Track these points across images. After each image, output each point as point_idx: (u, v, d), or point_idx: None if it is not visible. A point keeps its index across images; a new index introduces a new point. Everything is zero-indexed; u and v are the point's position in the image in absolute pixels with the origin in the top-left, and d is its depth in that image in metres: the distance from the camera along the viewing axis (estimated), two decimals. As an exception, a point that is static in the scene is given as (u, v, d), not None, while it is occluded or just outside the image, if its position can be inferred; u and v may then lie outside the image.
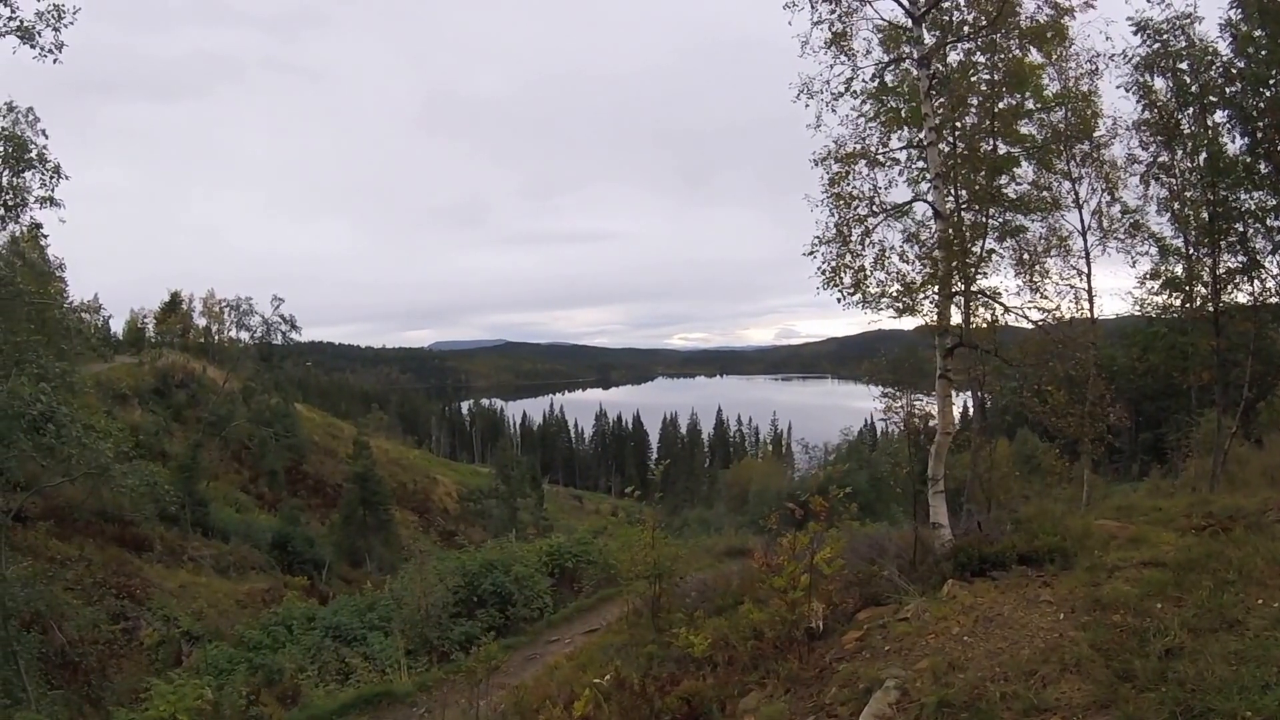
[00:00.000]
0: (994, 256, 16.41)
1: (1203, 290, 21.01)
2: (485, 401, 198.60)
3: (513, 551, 22.25)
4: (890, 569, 9.34)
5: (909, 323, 14.14)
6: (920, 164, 15.39)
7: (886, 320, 14.17)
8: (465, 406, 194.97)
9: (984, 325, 14.91)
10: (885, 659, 7.02)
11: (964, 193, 16.68)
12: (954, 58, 17.00)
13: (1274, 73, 19.43)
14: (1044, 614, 7.24)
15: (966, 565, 8.72)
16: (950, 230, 13.76)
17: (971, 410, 22.28)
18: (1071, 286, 18.63)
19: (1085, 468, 20.87)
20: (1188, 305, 21.08)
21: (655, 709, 7.20)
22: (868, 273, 13.73)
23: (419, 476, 69.74)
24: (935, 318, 13.16)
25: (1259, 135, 20.16)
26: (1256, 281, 20.82)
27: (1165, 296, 21.39)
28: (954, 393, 18.29)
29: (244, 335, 69.65)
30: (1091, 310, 19.95)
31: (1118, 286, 23.50)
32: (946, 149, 16.11)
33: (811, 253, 13.86)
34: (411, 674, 15.28)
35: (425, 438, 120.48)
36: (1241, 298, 20.84)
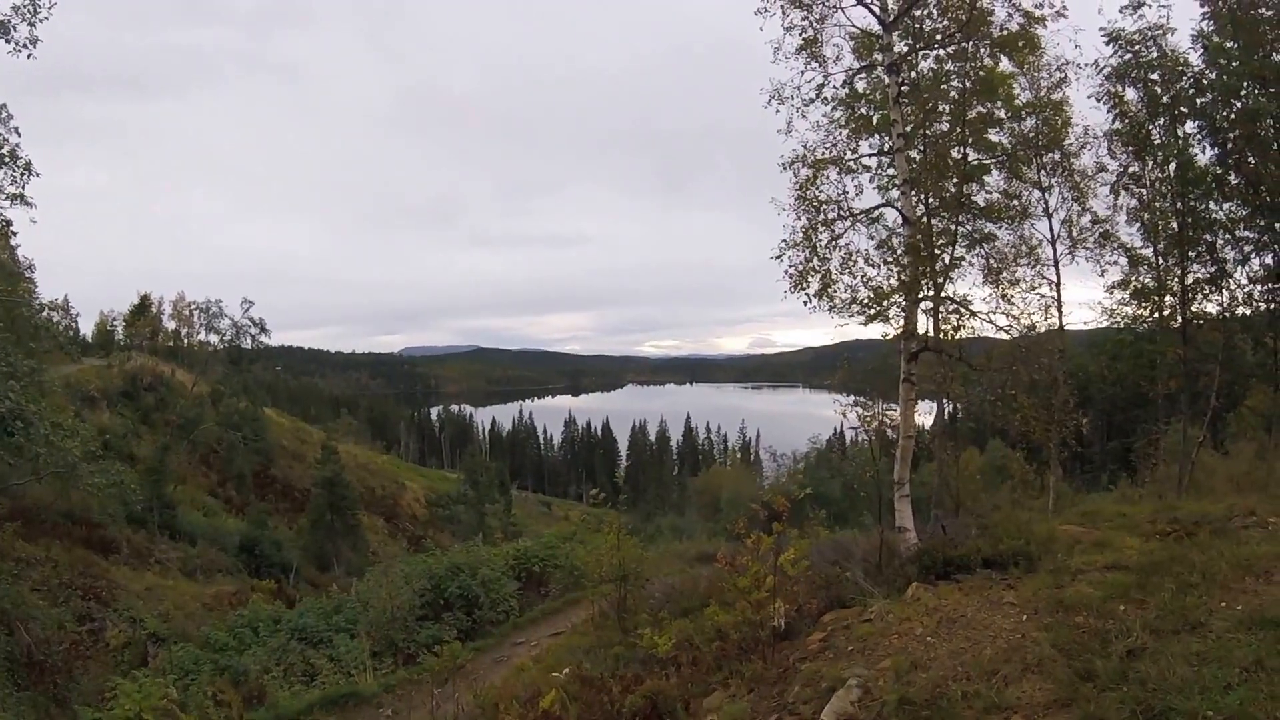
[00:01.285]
0: (963, 264, 16.60)
1: (1171, 300, 21.32)
2: (455, 407, 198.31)
3: (479, 555, 22.23)
4: (856, 572, 9.34)
5: (880, 331, 14.21)
6: (890, 170, 15.49)
7: (857, 328, 14.26)
8: (435, 412, 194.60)
9: (952, 331, 14.97)
10: (848, 659, 6.99)
11: (933, 200, 16.82)
12: (927, 66, 17.20)
13: (1246, 84, 19.72)
14: (1007, 615, 7.25)
15: (931, 568, 8.74)
16: (918, 236, 13.86)
17: (940, 418, 22.48)
18: (1041, 296, 18.95)
19: (1052, 475, 21.09)
20: (1156, 315, 21.36)
21: (619, 707, 7.15)
22: (834, 277, 13.81)
23: (387, 482, 69.63)
24: (903, 323, 13.23)
25: (1229, 146, 20.48)
26: (1225, 291, 21.19)
27: (1134, 306, 21.69)
28: (926, 401, 18.46)
29: (213, 338, 69.51)
30: (1060, 318, 20.17)
31: (1088, 297, 23.73)
32: (918, 156, 16.24)
33: (779, 255, 13.95)
34: (377, 675, 15.24)
35: (394, 443, 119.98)
36: (1210, 308, 21.19)
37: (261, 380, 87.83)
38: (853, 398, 14.90)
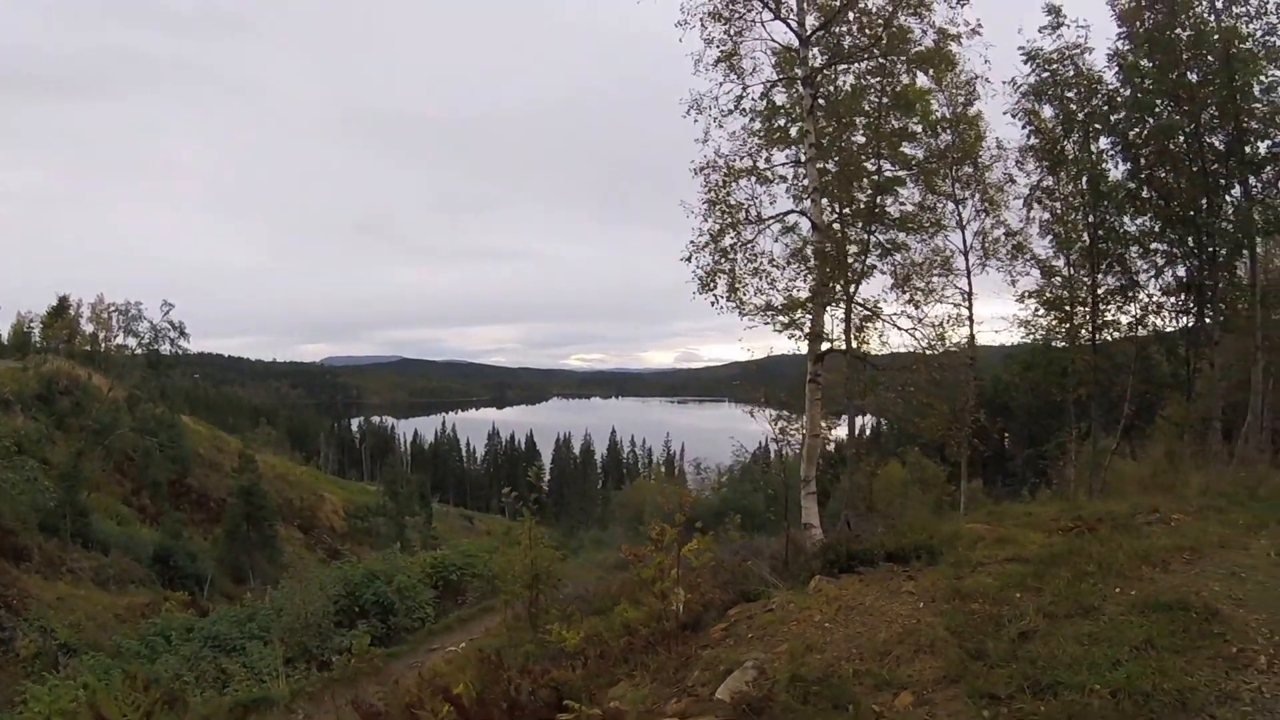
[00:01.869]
0: (876, 272, 17.06)
1: (1082, 310, 22.10)
2: (377, 419, 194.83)
3: (396, 563, 22.07)
4: (763, 568, 9.48)
5: (789, 334, 14.53)
6: (805, 180, 15.82)
7: (783, 342, 14.52)
8: (356, 423, 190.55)
9: (859, 334, 15.37)
10: (748, 645, 7.04)
11: (847, 210, 17.27)
12: (846, 81, 17.62)
13: (1159, 101, 20.56)
14: (905, 603, 7.39)
15: (835, 562, 8.85)
16: (827, 243, 14.18)
17: (852, 424, 22.97)
18: (955, 305, 19.54)
19: (964, 480, 21.70)
20: (1068, 325, 22.12)
21: (524, 698, 7.13)
22: (743, 281, 14.09)
23: (306, 493, 67.98)
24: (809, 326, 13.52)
25: (1141, 162, 21.33)
26: (1135, 303, 22.04)
27: (1047, 318, 22.43)
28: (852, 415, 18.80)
29: (131, 341, 67.25)
30: (971, 327, 20.77)
31: (1004, 311, 24.48)
32: (833, 167, 16.65)
33: (689, 257, 14.19)
34: (290, 681, 14.98)
35: (314, 454, 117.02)
36: (1123, 319, 22.05)
37: (180, 387, 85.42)
38: (772, 411, 15.20)
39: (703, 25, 14.37)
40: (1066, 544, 8.61)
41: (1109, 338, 22.44)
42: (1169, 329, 22.52)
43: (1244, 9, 19.62)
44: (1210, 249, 20.74)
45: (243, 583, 40.34)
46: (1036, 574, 7.65)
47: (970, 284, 21.32)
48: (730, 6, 14.35)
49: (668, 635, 7.73)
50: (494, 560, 20.36)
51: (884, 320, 14.79)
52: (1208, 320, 21.34)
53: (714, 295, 14.21)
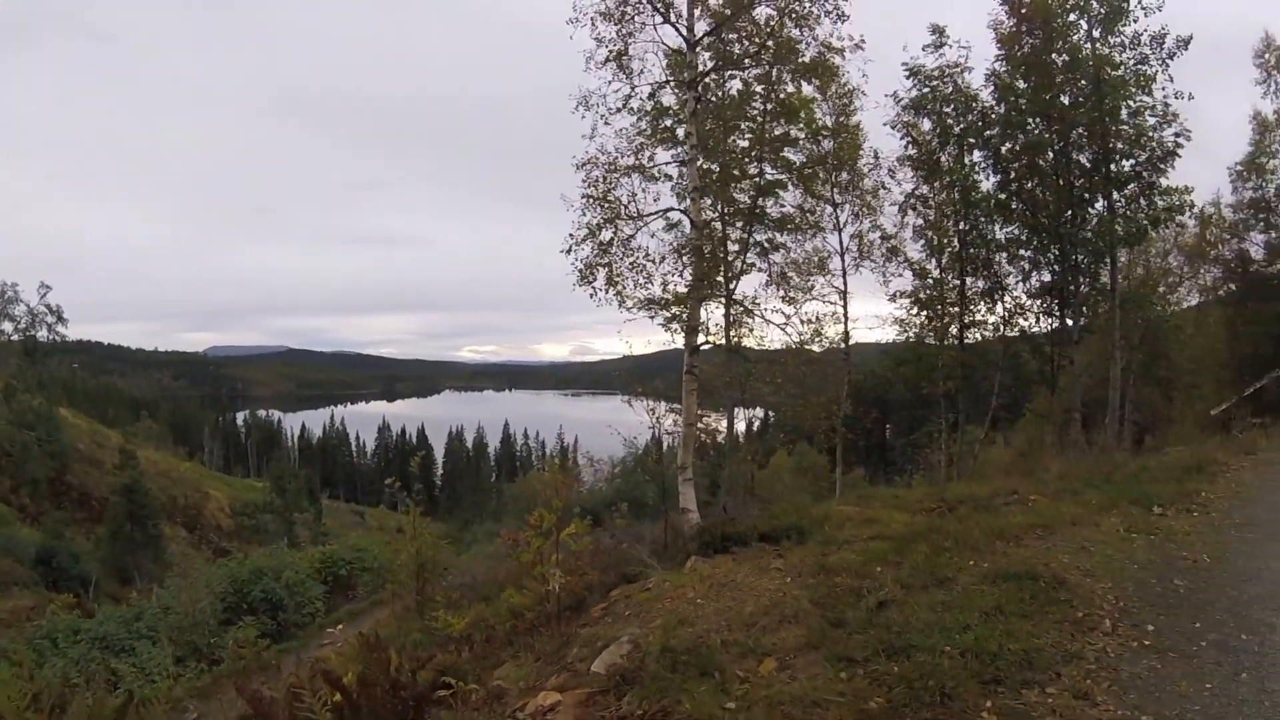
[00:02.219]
0: (754, 270, 17.66)
1: (952, 310, 23.35)
2: (263, 412, 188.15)
3: (284, 559, 21.84)
4: (643, 551, 9.83)
5: (666, 323, 14.92)
6: (687, 180, 16.24)
7: (665, 336, 14.89)
8: (241, 417, 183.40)
9: (737, 329, 15.85)
10: (625, 622, 7.34)
11: (728, 210, 17.80)
12: (735, 86, 18.16)
13: (1031, 120, 21.85)
14: (773, 579, 7.80)
15: (710, 544, 9.26)
16: (706, 241, 14.62)
17: (749, 419, 23.78)
18: (831, 304, 20.33)
19: (839, 466, 22.60)
20: (938, 323, 23.33)
21: (406, 679, 7.28)
22: (622, 275, 14.45)
23: (190, 490, 65.61)
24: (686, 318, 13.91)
25: (1011, 175, 22.69)
26: (1001, 305, 23.40)
27: (919, 316, 23.61)
28: (737, 410, 19.28)
29: (7, 326, 63.32)
30: (846, 323, 21.69)
31: (880, 310, 25.61)
32: (717, 169, 17.13)
33: (568, 250, 14.50)
34: (181, 680, 14.75)
35: (198, 449, 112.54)
36: (990, 319, 23.41)
37: (57, 377, 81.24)
38: (650, 402, 15.58)
39: (593, 24, 14.66)
40: (927, 523, 9.18)
41: (978, 336, 23.79)
42: (1036, 330, 23.91)
43: (1118, 39, 21.05)
44: (1074, 257, 22.10)
45: (129, 583, 38.90)
46: (897, 550, 8.16)
47: (846, 283, 22.40)
48: (621, 8, 14.69)
49: (550, 617, 7.98)
50: (382, 553, 20.38)
51: (759, 315, 15.26)
52: (1070, 321, 22.71)
53: (593, 288, 14.56)
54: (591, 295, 14.46)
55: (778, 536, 9.09)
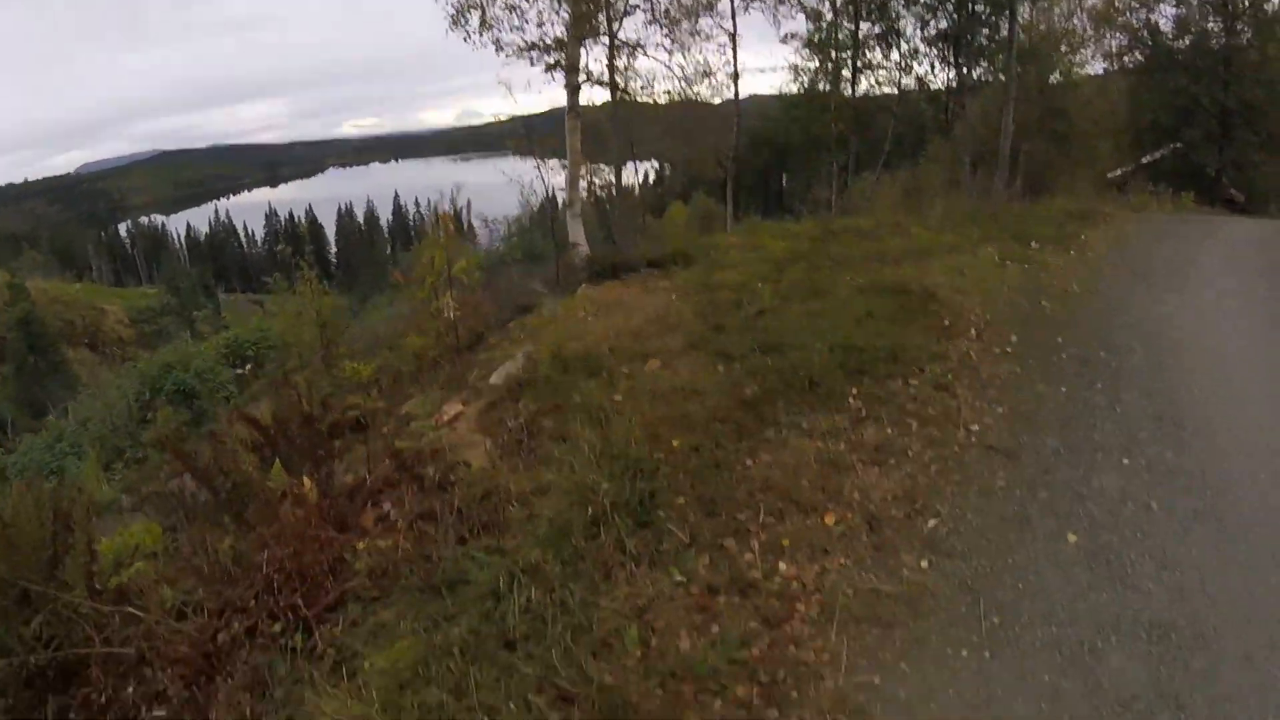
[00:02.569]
0: (638, 10, 17.13)
1: (844, 55, 23.13)
2: (145, 219, 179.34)
3: (189, 351, 21.72)
4: (537, 285, 10.12)
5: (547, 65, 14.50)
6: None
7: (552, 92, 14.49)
8: (124, 228, 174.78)
9: (624, 71, 15.59)
10: (519, 344, 7.66)
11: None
12: None
13: None
14: (660, 297, 8.17)
15: (600, 272, 9.53)
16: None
17: (642, 175, 23.76)
18: (719, 45, 19.93)
19: (728, 201, 22.91)
20: (830, 66, 23.15)
21: (319, 415, 7.53)
22: (496, 17, 13.93)
23: (85, 311, 63.40)
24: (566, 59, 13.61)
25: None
26: (896, 50, 23.21)
27: (812, 60, 23.35)
28: (631, 164, 19.14)
29: None
30: (735, 64, 21.40)
31: (773, 60, 25.32)
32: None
33: None
34: (113, 485, 14.91)
35: (85, 269, 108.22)
36: (886, 64, 23.29)
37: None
38: (556, 161, 15.43)
39: None
40: (810, 246, 9.55)
41: (873, 81, 23.68)
42: (932, 79, 23.93)
43: None
44: (971, 5, 21.84)
45: (42, 415, 38.47)
46: (777, 269, 8.57)
47: (735, 24, 21.71)
48: None
49: (450, 350, 8.24)
50: (286, 330, 20.42)
51: (643, 53, 14.95)
52: (966, 69, 22.77)
53: (466, 31, 13.99)
54: (465, 39, 13.93)
55: (665, 264, 9.41)
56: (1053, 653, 3.74)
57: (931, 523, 4.54)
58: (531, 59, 14.28)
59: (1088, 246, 10.47)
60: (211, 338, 27.46)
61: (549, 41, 14.00)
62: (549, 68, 14.11)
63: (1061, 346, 7.06)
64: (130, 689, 3.97)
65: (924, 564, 4.22)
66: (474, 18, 13.79)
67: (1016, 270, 9.03)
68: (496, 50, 14.30)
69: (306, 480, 5.14)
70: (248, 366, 22.10)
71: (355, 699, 3.34)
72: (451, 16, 13.83)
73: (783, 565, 4.12)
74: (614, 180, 19.72)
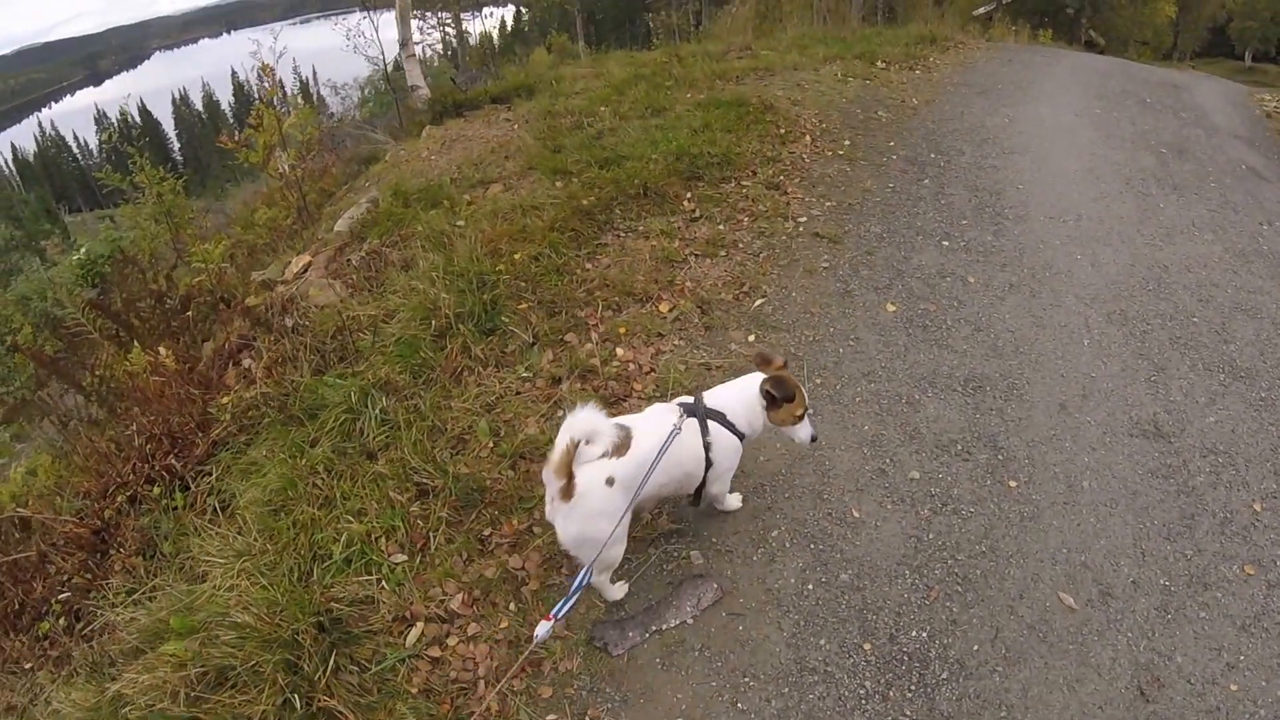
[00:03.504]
0: None
1: None
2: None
3: (43, 279, 20.67)
4: (381, 134, 9.98)
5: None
6: None
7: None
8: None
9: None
10: (364, 192, 7.57)
11: None
12: None
13: None
14: (502, 128, 8.15)
15: (443, 112, 9.38)
16: None
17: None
18: None
19: (581, 38, 22.55)
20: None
21: (169, 290, 7.44)
22: None
23: (-82, 269, 59.35)
24: None
25: None
26: None
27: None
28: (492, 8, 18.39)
29: None
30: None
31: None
32: None
33: None
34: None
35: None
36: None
37: None
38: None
39: None
40: (654, 70, 9.58)
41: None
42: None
43: None
44: None
45: None
46: (619, 91, 8.60)
47: None
48: None
49: (300, 212, 8.11)
50: (137, 234, 19.58)
51: None
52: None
53: None
54: None
55: (508, 97, 9.34)
56: (872, 405, 4.12)
57: (758, 302, 4.86)
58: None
59: (934, 68, 10.66)
60: (63, 261, 26.08)
61: None
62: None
63: (893, 150, 7.40)
64: (38, 587, 4.05)
65: (751, 338, 4.54)
66: None
67: (858, 85, 9.23)
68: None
69: (163, 349, 5.18)
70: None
71: (235, 532, 3.49)
72: None
73: (620, 351, 4.38)
74: (455, 28, 19.16)
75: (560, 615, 2.59)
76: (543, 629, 2.51)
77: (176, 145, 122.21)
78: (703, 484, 3.11)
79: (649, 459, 2.83)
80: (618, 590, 3.18)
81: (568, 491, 2.78)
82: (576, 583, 2.71)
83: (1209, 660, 2.95)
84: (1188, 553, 3.37)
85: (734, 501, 3.47)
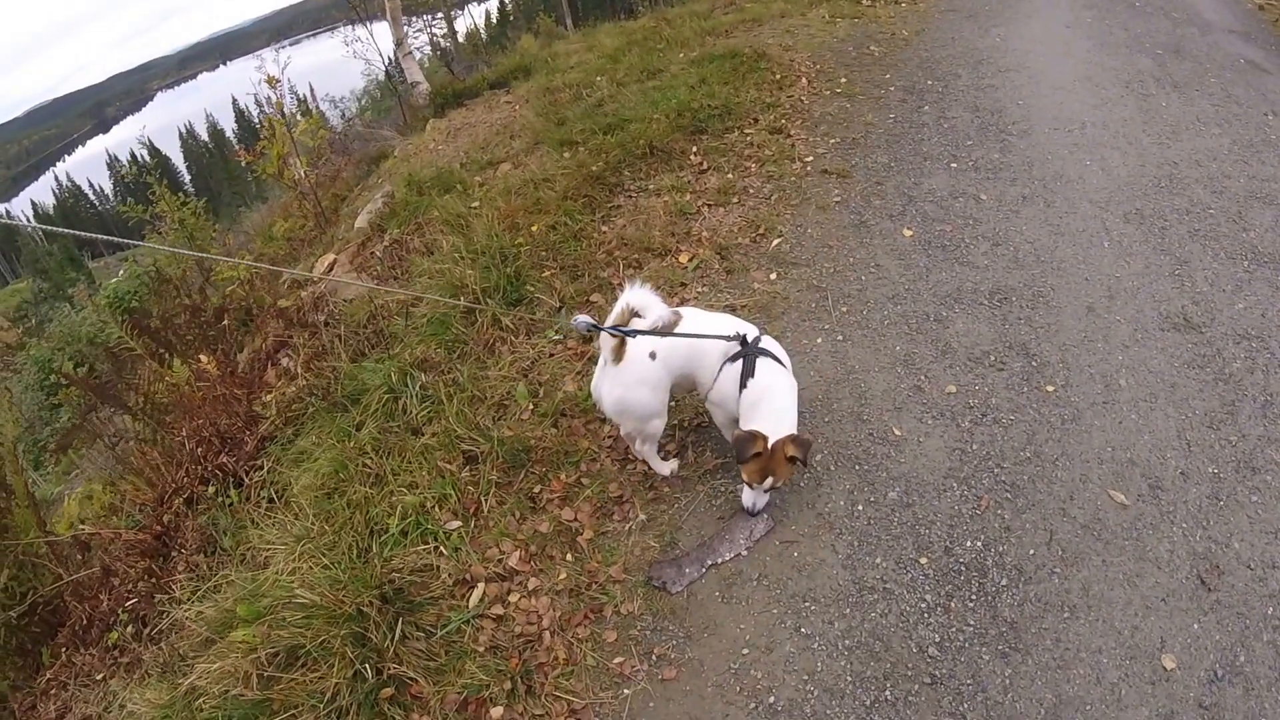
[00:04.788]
0: None
1: None
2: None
3: (75, 322, 20.97)
4: (387, 132, 10.09)
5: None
6: None
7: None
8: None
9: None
10: (378, 189, 7.71)
11: None
12: None
13: None
14: (503, 111, 8.27)
15: (445, 104, 9.51)
16: None
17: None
18: None
19: (569, 17, 22.54)
20: None
21: (203, 305, 7.61)
22: None
23: (-40, 342, 60.13)
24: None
25: None
26: None
27: None
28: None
29: None
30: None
31: None
32: None
33: None
34: (52, 475, 14.69)
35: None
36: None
37: None
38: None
39: None
40: (644, 35, 9.63)
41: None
42: None
43: None
44: None
45: None
46: (613, 60, 8.66)
47: None
48: None
49: (317, 217, 8.24)
50: (161, 266, 19.84)
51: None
52: None
53: None
54: None
55: (506, 81, 9.43)
56: (901, 326, 4.15)
57: (775, 242, 4.91)
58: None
59: None
60: (89, 302, 26.39)
61: None
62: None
63: (889, 82, 7.39)
64: (105, 600, 4.16)
65: (773, 276, 4.60)
66: None
67: (846, 25, 9.23)
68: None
69: (204, 357, 5.32)
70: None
71: (292, 518, 3.58)
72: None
73: (600, 342, 4.46)
74: (446, 25, 19.21)
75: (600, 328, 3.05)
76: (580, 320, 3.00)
77: (187, 177, 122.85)
78: None
79: (690, 341, 3.12)
80: (666, 466, 3.38)
81: (619, 354, 3.11)
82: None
83: (1267, 544, 2.97)
84: (1233, 439, 3.38)
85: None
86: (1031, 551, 2.98)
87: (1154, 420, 3.49)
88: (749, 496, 3.03)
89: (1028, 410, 3.57)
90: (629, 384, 3.13)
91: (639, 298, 3.07)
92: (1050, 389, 3.68)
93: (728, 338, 3.07)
